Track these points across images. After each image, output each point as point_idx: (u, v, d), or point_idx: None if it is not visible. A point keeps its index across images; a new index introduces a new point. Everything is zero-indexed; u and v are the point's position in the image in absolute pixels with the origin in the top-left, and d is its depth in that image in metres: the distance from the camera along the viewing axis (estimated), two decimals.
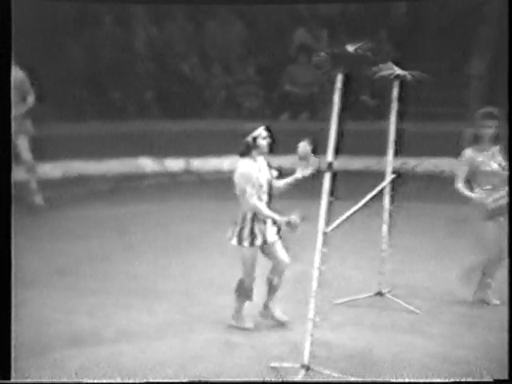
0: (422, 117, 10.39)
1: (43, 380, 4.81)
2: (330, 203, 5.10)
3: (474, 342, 5.43)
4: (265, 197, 5.54)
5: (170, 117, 10.96)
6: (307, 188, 5.37)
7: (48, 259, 7.12)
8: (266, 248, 5.60)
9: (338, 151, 4.97)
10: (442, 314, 5.97)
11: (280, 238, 5.62)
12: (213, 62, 11.40)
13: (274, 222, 5.54)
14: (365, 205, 5.54)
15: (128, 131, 10.44)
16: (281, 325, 5.69)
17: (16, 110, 8.50)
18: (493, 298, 6.22)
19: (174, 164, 10.57)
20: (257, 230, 5.52)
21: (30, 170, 8.71)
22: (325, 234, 4.99)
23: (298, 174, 5.48)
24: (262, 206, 5.48)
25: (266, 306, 5.76)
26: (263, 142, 5.48)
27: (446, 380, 4.89)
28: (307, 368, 4.92)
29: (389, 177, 6.10)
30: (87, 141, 10.06)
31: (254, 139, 5.47)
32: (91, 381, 4.81)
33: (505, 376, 4.91)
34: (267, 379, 4.96)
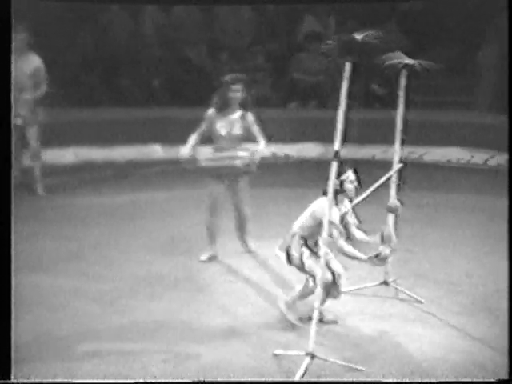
0: (429, 106, 10.36)
1: (43, 380, 4.82)
2: (337, 192, 5.11)
3: (479, 333, 5.43)
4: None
5: (178, 104, 10.95)
6: (311, 177, 5.35)
7: (54, 245, 7.14)
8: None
9: (345, 140, 4.95)
10: (448, 304, 5.96)
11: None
12: (221, 50, 11.38)
13: None
14: (371, 194, 5.54)
15: (137, 118, 10.44)
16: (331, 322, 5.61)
17: (29, 96, 8.51)
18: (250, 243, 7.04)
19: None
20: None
21: (34, 157, 8.72)
22: (331, 222, 4.99)
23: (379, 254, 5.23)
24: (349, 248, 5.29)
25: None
26: (350, 186, 5.30)
27: (447, 380, 4.89)
28: (312, 356, 4.93)
29: (396, 166, 6.08)
30: (96, 127, 10.07)
31: (342, 182, 5.26)
32: (91, 381, 4.82)
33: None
34: (271, 368, 4.98)
